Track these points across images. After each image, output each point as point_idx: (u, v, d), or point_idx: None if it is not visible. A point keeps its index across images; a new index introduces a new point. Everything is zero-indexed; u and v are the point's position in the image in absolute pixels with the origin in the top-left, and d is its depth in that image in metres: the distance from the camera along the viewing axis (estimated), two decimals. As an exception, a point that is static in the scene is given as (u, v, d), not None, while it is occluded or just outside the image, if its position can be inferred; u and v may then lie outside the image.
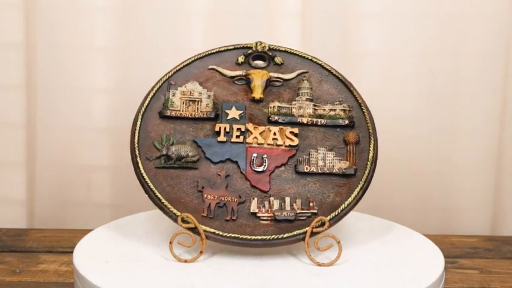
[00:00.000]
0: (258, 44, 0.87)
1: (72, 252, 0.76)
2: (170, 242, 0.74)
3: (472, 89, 1.14)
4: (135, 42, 1.12)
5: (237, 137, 0.80)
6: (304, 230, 0.75)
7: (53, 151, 1.14)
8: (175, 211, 0.75)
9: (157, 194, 0.76)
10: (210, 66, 0.85)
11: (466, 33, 1.13)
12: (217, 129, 0.80)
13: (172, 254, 0.73)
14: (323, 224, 0.75)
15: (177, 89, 0.83)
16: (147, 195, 0.77)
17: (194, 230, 0.74)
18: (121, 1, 1.11)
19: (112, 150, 1.15)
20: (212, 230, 0.74)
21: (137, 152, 0.78)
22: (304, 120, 0.82)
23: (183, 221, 0.74)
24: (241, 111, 0.82)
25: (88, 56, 1.13)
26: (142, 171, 0.77)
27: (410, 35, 1.13)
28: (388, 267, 0.74)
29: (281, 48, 0.88)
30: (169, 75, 0.84)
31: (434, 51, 1.13)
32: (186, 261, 0.73)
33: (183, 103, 0.82)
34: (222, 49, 0.87)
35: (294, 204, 0.77)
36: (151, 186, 0.77)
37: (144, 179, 0.77)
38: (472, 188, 1.17)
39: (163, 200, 0.76)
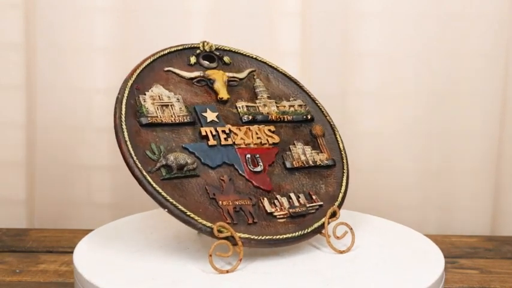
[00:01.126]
0: (205, 43, 0.86)
1: (72, 252, 0.76)
2: (210, 255, 0.69)
3: (472, 89, 1.14)
4: (135, 42, 1.12)
5: (225, 139, 0.79)
6: (321, 222, 0.77)
7: (53, 151, 1.14)
8: (205, 222, 0.71)
9: (180, 207, 0.71)
10: (166, 68, 0.82)
11: (466, 33, 1.13)
12: (203, 133, 0.78)
13: (213, 267, 0.70)
14: (333, 214, 0.78)
15: (145, 94, 0.79)
16: (165, 210, 0.71)
17: (229, 238, 0.71)
18: (121, 1, 1.11)
19: (112, 150, 1.15)
20: (246, 236, 0.72)
21: (139, 165, 0.73)
22: (274, 118, 0.83)
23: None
24: (217, 113, 0.80)
25: (88, 56, 1.13)
26: (155, 185, 0.72)
27: (410, 35, 1.13)
28: (388, 267, 0.73)
29: (226, 48, 0.87)
30: (133, 79, 0.79)
31: (434, 51, 1.13)
32: (227, 271, 0.70)
33: (157, 109, 0.78)
34: (173, 49, 0.84)
35: (300, 199, 0.78)
36: (171, 200, 0.71)
37: (160, 193, 0.72)
38: (472, 188, 1.17)
39: (189, 213, 0.71)
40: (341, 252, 0.76)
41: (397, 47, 1.13)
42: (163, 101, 0.79)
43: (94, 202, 1.17)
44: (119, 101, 0.78)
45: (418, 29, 1.13)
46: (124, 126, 0.75)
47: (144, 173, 0.72)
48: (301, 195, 0.78)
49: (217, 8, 1.12)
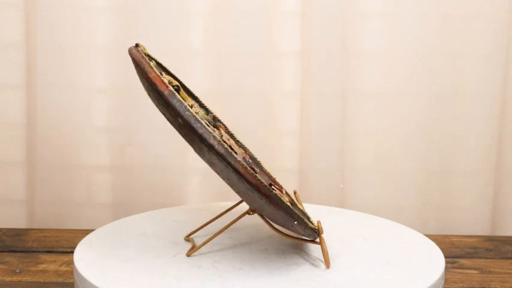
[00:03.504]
0: (142, 47, 0.78)
1: (72, 252, 0.76)
2: (327, 253, 0.71)
3: (472, 89, 1.14)
4: (135, 42, 1.11)
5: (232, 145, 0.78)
6: (298, 203, 0.80)
7: (53, 151, 1.14)
8: (311, 225, 0.71)
9: (300, 216, 0.69)
10: None
11: (466, 33, 1.13)
12: (227, 141, 0.75)
13: (327, 264, 0.71)
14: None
15: None
16: (295, 223, 0.69)
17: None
18: (121, 1, 1.11)
19: (112, 150, 1.15)
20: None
21: (263, 182, 0.67)
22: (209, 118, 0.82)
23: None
24: (205, 121, 0.76)
25: (88, 56, 1.13)
26: (284, 200, 0.69)
27: (411, 35, 1.13)
28: (388, 267, 0.73)
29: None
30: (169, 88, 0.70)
31: (434, 51, 1.13)
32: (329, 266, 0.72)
33: None
34: None
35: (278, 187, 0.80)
36: (296, 211, 0.69)
37: (288, 206, 0.68)
38: (472, 188, 1.17)
39: (306, 220, 0.71)
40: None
41: (397, 47, 1.13)
42: None
43: (94, 202, 1.17)
44: (193, 119, 0.67)
45: (418, 29, 1.13)
46: (228, 146, 0.67)
47: (274, 192, 0.67)
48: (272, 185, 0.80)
49: (217, 8, 1.12)
